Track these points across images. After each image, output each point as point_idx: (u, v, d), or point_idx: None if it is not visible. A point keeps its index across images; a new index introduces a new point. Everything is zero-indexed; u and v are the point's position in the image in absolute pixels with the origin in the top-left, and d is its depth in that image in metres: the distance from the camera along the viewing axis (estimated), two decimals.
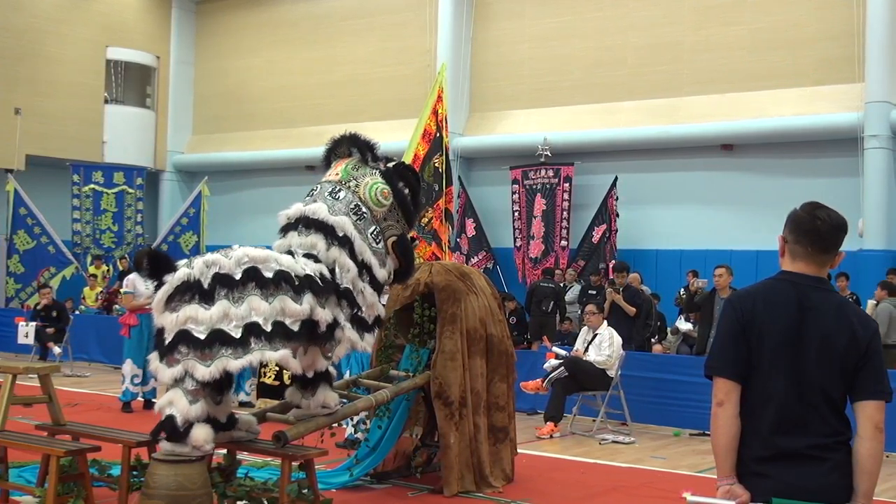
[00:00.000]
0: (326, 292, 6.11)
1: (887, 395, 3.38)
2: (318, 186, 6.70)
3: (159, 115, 25.63)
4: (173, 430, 5.62)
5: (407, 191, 6.83)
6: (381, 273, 6.56)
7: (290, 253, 6.29)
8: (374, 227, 6.53)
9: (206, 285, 5.74)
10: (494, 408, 7.89)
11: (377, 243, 6.54)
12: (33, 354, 16.03)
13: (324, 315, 6.04)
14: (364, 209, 6.49)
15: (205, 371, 5.59)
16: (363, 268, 6.43)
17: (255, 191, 24.01)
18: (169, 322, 5.71)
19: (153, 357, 5.83)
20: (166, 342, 5.70)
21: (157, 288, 5.84)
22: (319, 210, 6.41)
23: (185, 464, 5.59)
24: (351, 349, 6.45)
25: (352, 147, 6.78)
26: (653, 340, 14.02)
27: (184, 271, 5.80)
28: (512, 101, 20.11)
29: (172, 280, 5.77)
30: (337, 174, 6.66)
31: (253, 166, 23.95)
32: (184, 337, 5.64)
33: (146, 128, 25.36)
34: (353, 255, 6.37)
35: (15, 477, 7.11)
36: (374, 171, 6.67)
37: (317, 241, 6.32)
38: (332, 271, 6.27)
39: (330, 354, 6.26)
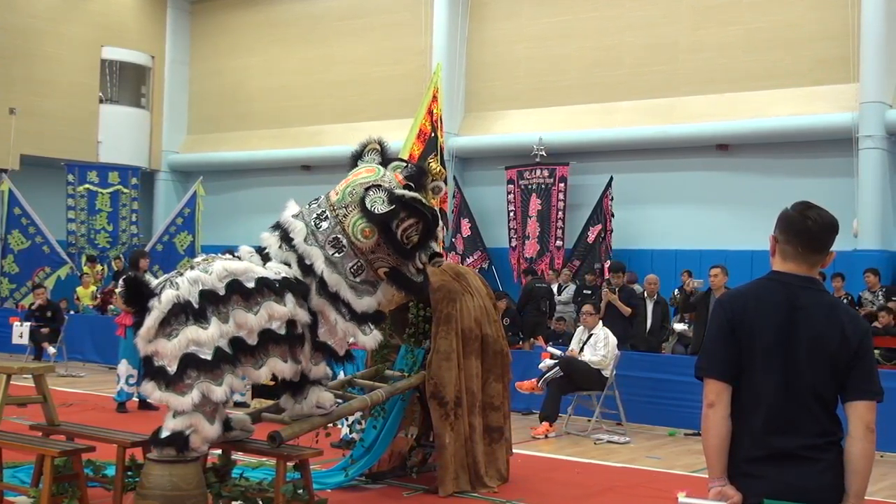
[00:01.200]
0: (302, 293, 6.10)
1: (878, 396, 3.38)
2: (319, 199, 6.53)
3: (154, 115, 25.62)
4: (184, 447, 5.58)
5: (408, 223, 6.30)
6: (361, 304, 6.33)
7: (266, 257, 6.27)
8: (353, 262, 6.28)
9: (196, 304, 5.65)
10: (489, 408, 7.89)
11: (355, 277, 6.30)
12: (28, 355, 16.02)
13: (303, 315, 6.04)
14: (344, 242, 6.25)
15: (220, 391, 5.57)
16: (338, 300, 6.26)
17: (251, 191, 23.99)
18: (169, 349, 5.55)
19: (149, 386, 5.63)
20: (171, 370, 5.53)
21: (139, 314, 5.68)
22: (298, 233, 6.30)
23: (179, 464, 5.58)
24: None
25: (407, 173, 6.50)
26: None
27: (171, 293, 5.65)
28: (507, 101, 20.11)
29: (161, 305, 5.61)
30: (336, 193, 6.43)
31: (248, 166, 23.93)
32: (191, 361, 5.54)
33: (141, 127, 25.34)
34: (323, 287, 6.21)
35: (9, 477, 7.09)
36: (372, 202, 6.20)
37: (291, 261, 6.28)
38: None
39: (300, 357, 6.13)
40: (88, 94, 24.24)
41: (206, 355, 5.57)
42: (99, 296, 19.26)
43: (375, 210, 6.13)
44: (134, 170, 23.06)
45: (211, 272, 5.80)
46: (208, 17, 25.60)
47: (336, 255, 6.25)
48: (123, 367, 11.54)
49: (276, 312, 5.87)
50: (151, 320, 5.61)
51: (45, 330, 16.10)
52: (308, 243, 6.26)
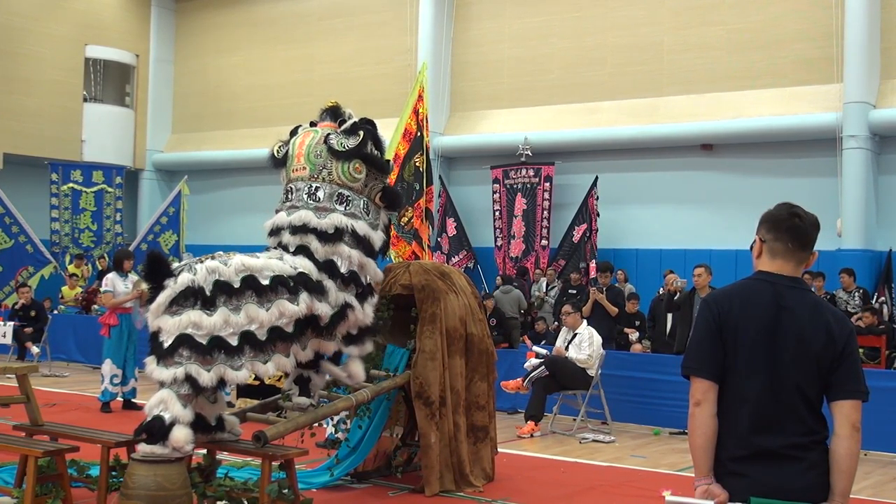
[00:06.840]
0: (320, 289, 6.29)
1: (864, 395, 3.40)
2: (292, 187, 6.68)
3: (138, 114, 25.52)
4: (160, 431, 5.61)
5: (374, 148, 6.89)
6: (379, 237, 6.73)
7: (284, 247, 6.44)
8: (362, 201, 6.65)
9: (208, 292, 5.80)
10: (474, 407, 7.89)
11: (369, 214, 6.68)
12: (11, 354, 15.92)
13: (323, 309, 6.25)
14: (346, 192, 6.58)
15: (207, 377, 5.67)
16: (366, 244, 6.59)
17: (235, 189, 23.94)
18: (170, 325, 5.72)
19: (149, 359, 5.81)
20: (165, 345, 5.70)
21: (155, 291, 5.82)
22: (307, 219, 6.48)
23: (164, 464, 5.58)
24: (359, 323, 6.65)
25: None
26: (632, 339, 14.04)
27: (187, 276, 5.82)
28: (492, 101, 20.13)
29: (175, 285, 5.78)
30: (304, 168, 6.64)
31: (232, 165, 23.87)
32: (185, 340, 5.68)
33: (125, 126, 25.24)
34: (356, 239, 6.51)
35: None
36: (339, 144, 6.66)
37: (311, 241, 6.45)
38: (331, 262, 6.42)
39: (334, 337, 6.52)
40: (72, 93, 24.12)
41: (202, 339, 5.70)
42: (80, 296, 19.16)
43: (347, 147, 6.60)
44: (118, 169, 22.93)
45: (229, 265, 5.98)
46: (193, 15, 25.52)
47: (348, 208, 6.56)
48: (107, 367, 11.49)
49: (287, 311, 6.05)
50: (163, 297, 5.78)
51: (28, 329, 16.01)
52: (321, 218, 6.47)
